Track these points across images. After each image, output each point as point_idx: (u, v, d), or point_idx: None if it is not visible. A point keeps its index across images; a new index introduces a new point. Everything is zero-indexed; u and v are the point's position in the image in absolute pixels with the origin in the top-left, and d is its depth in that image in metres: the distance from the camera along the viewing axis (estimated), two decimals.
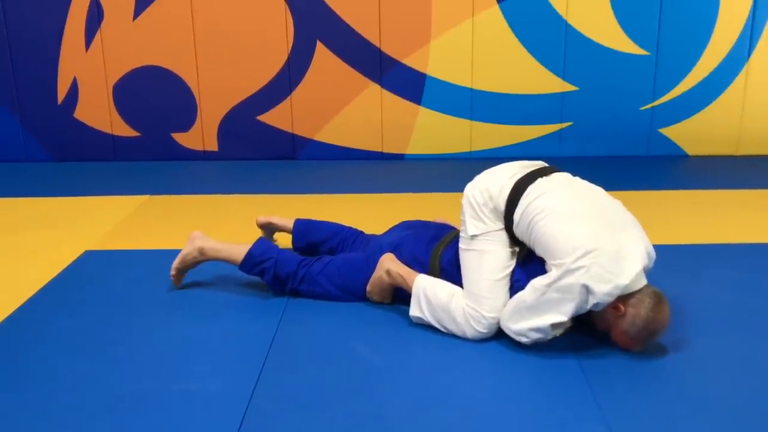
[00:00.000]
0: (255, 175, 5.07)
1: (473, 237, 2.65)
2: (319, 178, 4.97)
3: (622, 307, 2.45)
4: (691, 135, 5.38)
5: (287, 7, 5.11)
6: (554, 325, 2.47)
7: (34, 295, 3.07)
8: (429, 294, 2.70)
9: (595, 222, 2.50)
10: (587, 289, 2.38)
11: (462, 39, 5.17)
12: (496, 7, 5.08)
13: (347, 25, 5.13)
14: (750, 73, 5.23)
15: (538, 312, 2.46)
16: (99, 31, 5.19)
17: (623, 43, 5.15)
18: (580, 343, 2.60)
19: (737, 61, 5.20)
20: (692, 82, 5.24)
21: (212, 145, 5.43)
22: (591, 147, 5.37)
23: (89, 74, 5.30)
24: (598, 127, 5.29)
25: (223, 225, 3.94)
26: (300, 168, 5.24)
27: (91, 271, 3.34)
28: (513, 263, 2.65)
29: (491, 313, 2.58)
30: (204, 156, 5.45)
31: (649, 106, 5.30)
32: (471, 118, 5.36)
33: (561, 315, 2.43)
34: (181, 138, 5.42)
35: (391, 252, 2.91)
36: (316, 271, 2.99)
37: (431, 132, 5.39)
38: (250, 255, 3.01)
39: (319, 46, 5.18)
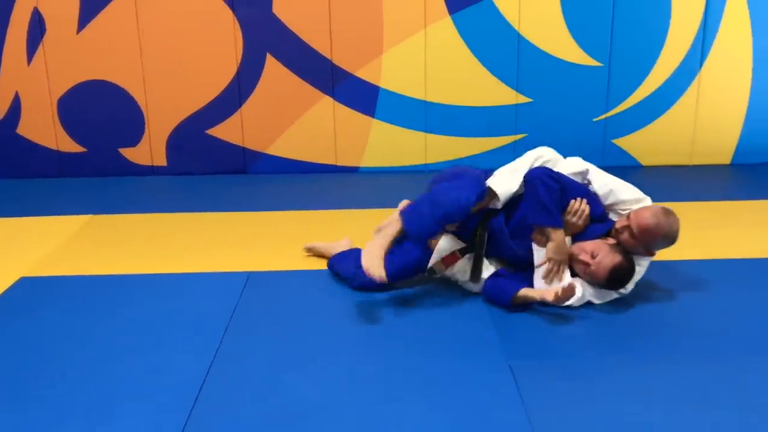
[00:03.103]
0: (205, 190, 4.96)
1: None
2: (271, 193, 4.87)
3: None
4: (644, 145, 5.37)
5: (236, 19, 5.00)
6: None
7: None
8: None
9: None
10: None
11: (415, 51, 5.10)
12: (448, 18, 5.02)
13: (297, 38, 5.04)
14: (702, 84, 5.24)
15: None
16: (41, 44, 5.04)
17: (576, 55, 5.12)
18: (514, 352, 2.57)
19: (689, 72, 5.21)
20: (645, 92, 5.23)
21: (161, 160, 5.30)
22: None
23: (32, 89, 5.14)
24: (553, 138, 5.19)
25: (169, 246, 3.83)
26: (251, 182, 5.14)
27: (23, 301, 3.20)
28: None
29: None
30: (152, 171, 5.31)
31: (602, 117, 5.28)
32: (425, 131, 5.29)
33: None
34: (129, 153, 5.29)
35: None
36: None
37: (385, 144, 5.32)
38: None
39: (269, 58, 5.08)
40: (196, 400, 2.41)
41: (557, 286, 2.93)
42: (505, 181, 3.11)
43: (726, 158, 5.45)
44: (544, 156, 3.18)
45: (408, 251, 3.19)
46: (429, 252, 3.16)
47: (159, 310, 3.08)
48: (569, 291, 2.87)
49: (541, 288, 3.02)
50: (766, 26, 5.13)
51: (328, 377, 2.56)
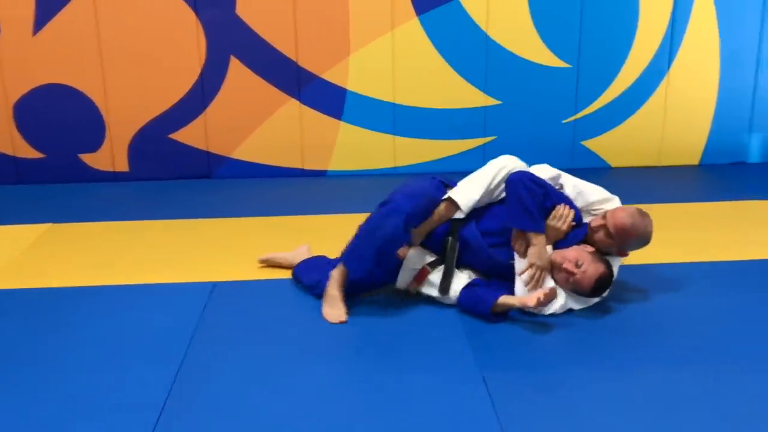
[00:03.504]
0: (168, 196, 4.84)
1: None
2: (237, 198, 4.77)
3: None
4: (613, 147, 5.36)
5: (198, 20, 4.88)
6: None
7: None
8: None
9: None
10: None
11: (382, 52, 5.03)
12: (416, 20, 4.96)
13: (262, 39, 4.94)
14: (670, 84, 5.24)
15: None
16: None
17: (544, 56, 5.09)
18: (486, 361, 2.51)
19: (657, 73, 5.20)
20: (613, 94, 5.22)
21: (122, 166, 5.16)
22: None
23: None
24: (522, 140, 5.21)
25: (131, 255, 3.71)
26: (216, 187, 5.03)
27: None
28: None
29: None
30: (114, 177, 5.17)
31: (571, 118, 5.26)
32: (394, 133, 5.22)
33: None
34: (89, 159, 5.14)
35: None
36: None
37: (353, 148, 5.24)
38: None
39: (233, 60, 4.97)
40: (158, 420, 2.30)
41: (539, 291, 2.87)
42: (467, 191, 3.09)
43: (694, 159, 5.47)
44: (508, 166, 3.12)
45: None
46: (398, 260, 3.10)
47: (119, 324, 2.96)
48: (551, 294, 2.82)
49: (523, 296, 2.97)
50: (732, 27, 5.16)
51: (297, 392, 2.46)
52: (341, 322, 2.95)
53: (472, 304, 2.97)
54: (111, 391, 2.47)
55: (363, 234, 3.00)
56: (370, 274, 3.02)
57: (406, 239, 3.02)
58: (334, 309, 3.01)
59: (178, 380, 2.53)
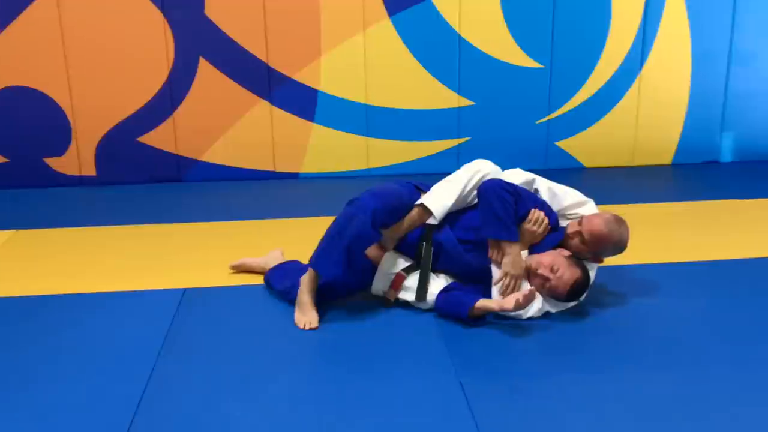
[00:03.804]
0: (137, 201, 4.73)
1: None
2: (207, 202, 4.68)
3: None
4: (587, 147, 5.35)
5: (166, 21, 4.79)
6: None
7: None
8: None
9: None
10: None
11: (354, 53, 4.97)
12: (388, 20, 4.90)
13: (231, 40, 4.86)
14: (643, 84, 5.24)
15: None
16: None
17: (517, 57, 5.06)
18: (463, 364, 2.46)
19: (630, 73, 5.21)
20: (587, 94, 5.21)
21: (89, 170, 5.05)
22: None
23: None
24: (496, 141, 5.19)
25: (98, 263, 3.62)
26: (186, 191, 4.94)
27: None
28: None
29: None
30: (81, 181, 5.06)
31: (545, 119, 5.24)
32: (367, 135, 5.17)
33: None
34: (55, 163, 5.02)
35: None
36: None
37: (326, 149, 5.18)
38: None
39: (203, 62, 4.88)
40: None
41: (517, 293, 2.82)
42: (440, 197, 3.05)
43: (667, 158, 5.48)
44: (482, 170, 3.08)
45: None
46: (371, 267, 3.05)
47: (85, 334, 2.87)
48: (530, 296, 2.78)
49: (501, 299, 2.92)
50: (704, 27, 5.17)
51: (270, 402, 2.40)
52: (312, 329, 2.90)
53: (449, 308, 2.93)
54: (75, 407, 2.38)
55: (330, 235, 2.96)
56: (342, 277, 2.96)
57: (376, 238, 2.96)
58: (305, 315, 2.95)
59: (147, 393, 2.45)
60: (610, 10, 5.05)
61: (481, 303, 2.87)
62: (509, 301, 2.80)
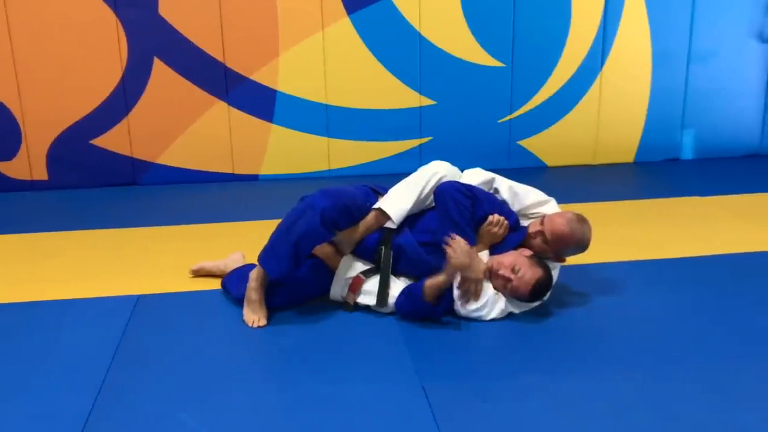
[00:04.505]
0: (90, 205, 4.61)
1: None
2: (164, 206, 4.57)
3: None
4: (549, 146, 5.34)
5: (118, 21, 4.67)
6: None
7: None
8: None
9: None
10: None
11: (313, 52, 4.90)
12: (347, 19, 4.84)
13: (187, 40, 4.75)
14: (604, 83, 5.24)
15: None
16: None
17: (479, 55, 5.03)
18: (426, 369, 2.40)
19: (591, 72, 5.21)
20: (548, 93, 5.20)
21: (41, 174, 4.90)
22: (452, 161, 4.99)
23: None
24: (458, 140, 5.15)
25: (49, 269, 3.49)
26: (141, 195, 4.82)
27: None
28: None
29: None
30: (31, 186, 4.91)
31: (507, 118, 5.21)
32: (328, 135, 5.09)
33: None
34: (4, 167, 4.87)
35: None
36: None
37: (286, 151, 5.09)
38: None
39: (157, 62, 4.76)
40: None
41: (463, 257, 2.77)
42: (398, 201, 3.00)
43: (629, 157, 5.49)
44: (439, 173, 3.03)
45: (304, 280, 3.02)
46: (328, 273, 2.98)
47: (35, 343, 2.76)
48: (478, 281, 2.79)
49: (460, 310, 2.87)
50: (664, 26, 5.20)
51: (227, 410, 2.31)
52: (261, 326, 2.85)
53: (407, 304, 2.87)
54: (21, 420, 2.27)
55: (278, 232, 2.91)
56: (289, 274, 2.90)
57: (326, 237, 2.89)
58: (254, 312, 2.91)
59: (97, 405, 2.34)
60: (570, 8, 5.05)
61: (430, 281, 2.82)
62: (453, 266, 2.75)
